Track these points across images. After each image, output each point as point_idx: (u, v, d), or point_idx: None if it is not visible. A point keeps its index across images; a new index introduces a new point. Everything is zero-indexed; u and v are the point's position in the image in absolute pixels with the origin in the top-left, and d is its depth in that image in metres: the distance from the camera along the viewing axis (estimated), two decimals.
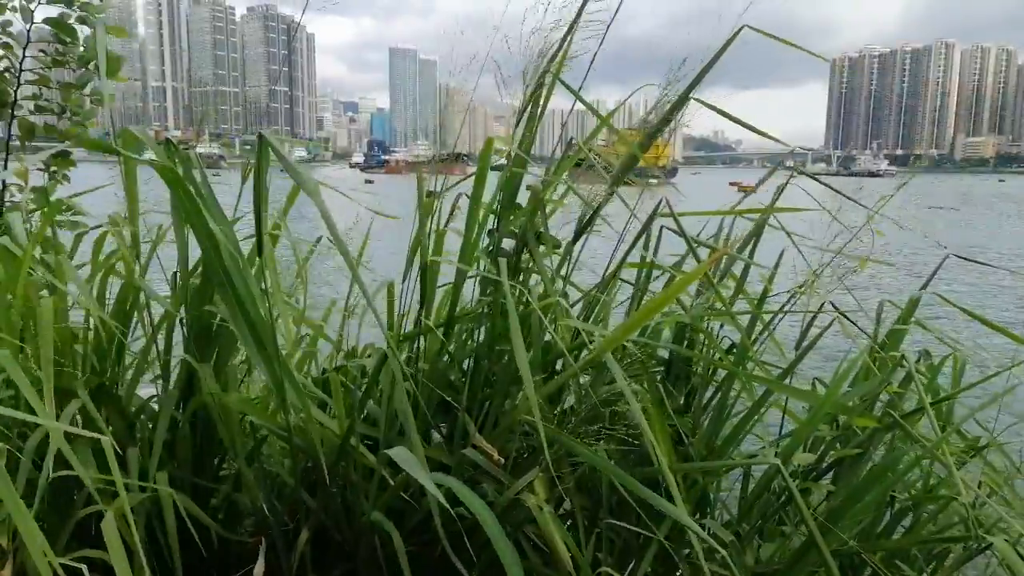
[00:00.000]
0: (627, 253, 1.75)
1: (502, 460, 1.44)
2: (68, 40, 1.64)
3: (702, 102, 1.60)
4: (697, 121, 1.74)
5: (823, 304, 1.81)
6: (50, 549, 1.06)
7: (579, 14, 1.65)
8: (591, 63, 1.72)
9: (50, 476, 1.21)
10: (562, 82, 1.70)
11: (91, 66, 1.71)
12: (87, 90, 1.76)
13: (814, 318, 1.83)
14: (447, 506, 1.25)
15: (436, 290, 1.87)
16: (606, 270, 1.79)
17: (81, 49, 1.65)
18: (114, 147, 1.39)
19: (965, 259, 1.99)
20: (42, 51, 1.62)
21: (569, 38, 1.67)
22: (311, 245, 2.33)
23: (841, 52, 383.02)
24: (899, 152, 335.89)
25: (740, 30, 1.47)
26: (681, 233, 1.71)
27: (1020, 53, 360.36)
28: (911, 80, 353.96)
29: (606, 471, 1.39)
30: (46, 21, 1.58)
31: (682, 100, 1.60)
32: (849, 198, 1.83)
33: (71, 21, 1.64)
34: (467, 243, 1.77)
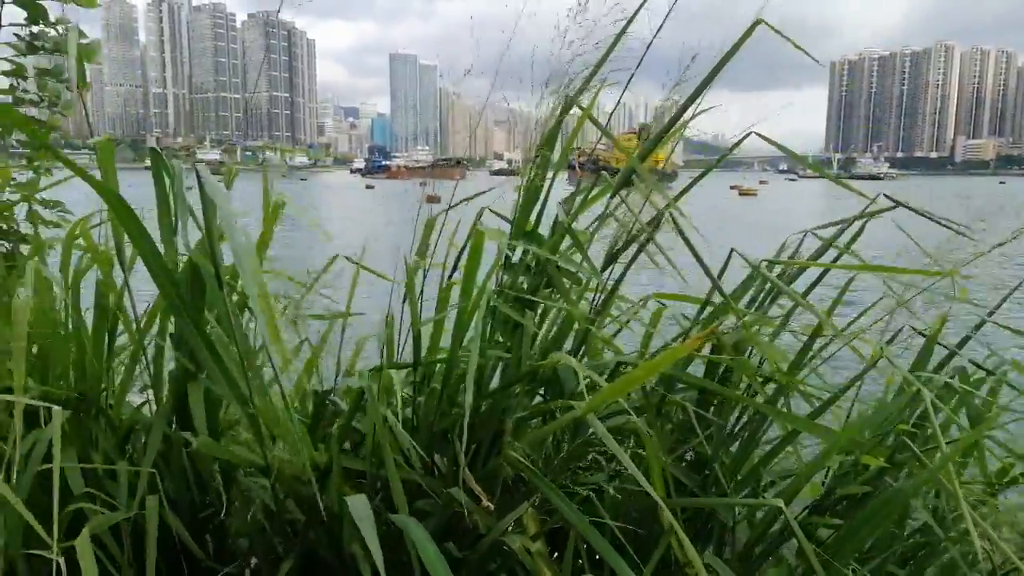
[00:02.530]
0: (623, 275, 1.69)
1: (491, 507, 1.39)
2: (39, 22, 1.58)
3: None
4: (701, 125, 1.70)
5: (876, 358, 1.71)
6: None
7: (611, 48, 1.59)
8: (628, 82, 1.67)
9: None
10: (593, 121, 1.65)
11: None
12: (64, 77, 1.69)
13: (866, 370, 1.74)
14: (379, 569, 1.18)
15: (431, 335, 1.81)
16: (596, 295, 1.73)
17: (53, 32, 1.58)
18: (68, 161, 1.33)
19: None
20: (16, 35, 1.56)
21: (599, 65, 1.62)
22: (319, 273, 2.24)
23: (841, 55, 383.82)
24: (899, 155, 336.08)
25: (756, 25, 1.41)
26: (700, 263, 1.63)
27: (1020, 55, 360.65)
28: (911, 83, 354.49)
29: (576, 525, 1.35)
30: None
31: (690, 101, 1.55)
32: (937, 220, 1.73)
33: None
34: (460, 321, 1.68)
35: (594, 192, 1.73)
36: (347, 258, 2.14)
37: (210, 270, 1.27)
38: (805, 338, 1.73)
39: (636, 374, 1.24)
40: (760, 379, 1.75)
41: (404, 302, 1.78)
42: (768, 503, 1.51)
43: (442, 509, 1.58)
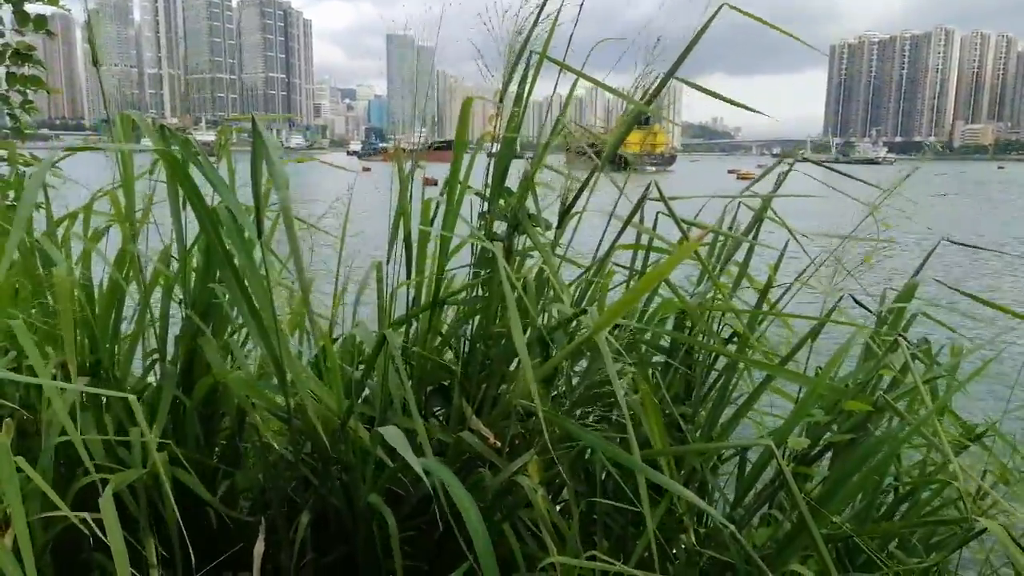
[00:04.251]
0: (617, 236, 1.76)
1: (498, 444, 1.45)
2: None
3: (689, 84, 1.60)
4: (696, 107, 1.75)
5: (838, 298, 1.79)
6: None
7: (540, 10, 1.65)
8: (568, 43, 1.71)
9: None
10: (551, 59, 1.69)
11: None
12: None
13: (830, 311, 1.81)
14: (430, 487, 1.25)
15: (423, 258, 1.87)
16: (596, 253, 1.79)
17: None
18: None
19: (955, 242, 1.97)
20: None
21: (542, 11, 1.66)
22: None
23: (841, 38, 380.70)
24: (898, 139, 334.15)
25: (720, 8, 1.46)
26: (671, 214, 1.70)
27: (1020, 40, 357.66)
28: (910, 67, 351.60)
29: (599, 448, 1.38)
30: None
31: (665, 81, 1.60)
32: (854, 178, 1.83)
33: None
34: (449, 209, 1.75)
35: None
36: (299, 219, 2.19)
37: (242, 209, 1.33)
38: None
39: (643, 284, 1.27)
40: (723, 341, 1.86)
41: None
42: (759, 443, 1.54)
43: (448, 463, 1.62)
